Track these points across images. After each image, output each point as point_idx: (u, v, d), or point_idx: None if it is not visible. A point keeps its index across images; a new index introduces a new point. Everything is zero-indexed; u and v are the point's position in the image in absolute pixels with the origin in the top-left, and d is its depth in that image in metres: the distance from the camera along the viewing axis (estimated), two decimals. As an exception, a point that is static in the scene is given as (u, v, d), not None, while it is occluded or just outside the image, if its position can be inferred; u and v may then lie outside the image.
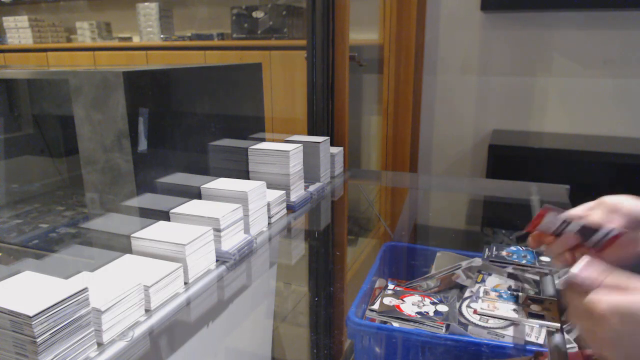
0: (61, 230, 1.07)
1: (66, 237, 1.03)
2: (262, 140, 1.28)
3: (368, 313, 1.06)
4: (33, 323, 0.55)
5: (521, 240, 1.26)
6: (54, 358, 0.58)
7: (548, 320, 0.68)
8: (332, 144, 1.57)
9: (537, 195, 1.57)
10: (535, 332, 0.92)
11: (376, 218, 1.75)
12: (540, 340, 0.90)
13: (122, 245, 0.87)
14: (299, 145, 1.23)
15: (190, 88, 1.01)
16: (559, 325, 0.66)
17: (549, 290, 0.85)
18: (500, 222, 1.55)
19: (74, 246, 0.99)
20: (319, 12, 1.51)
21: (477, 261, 1.17)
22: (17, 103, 1.30)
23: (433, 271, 1.23)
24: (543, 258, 1.03)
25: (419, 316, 1.00)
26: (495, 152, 2.20)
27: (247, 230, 1.00)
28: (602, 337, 0.43)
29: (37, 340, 0.55)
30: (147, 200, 0.90)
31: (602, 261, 0.51)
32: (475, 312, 0.72)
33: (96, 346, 0.64)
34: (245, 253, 0.95)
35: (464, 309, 1.04)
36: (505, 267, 1.08)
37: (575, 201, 1.50)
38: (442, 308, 1.03)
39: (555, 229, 0.64)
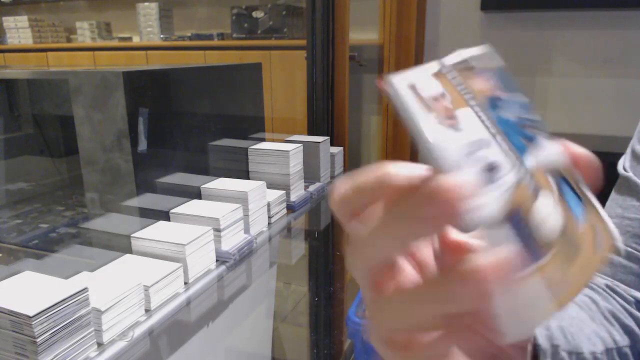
0: (61, 230, 1.07)
1: (66, 237, 1.03)
2: (262, 140, 1.28)
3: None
4: (33, 323, 0.55)
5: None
6: (54, 358, 0.58)
7: None
8: (332, 144, 1.57)
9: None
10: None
11: (376, 218, 1.74)
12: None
13: (122, 245, 0.87)
14: (299, 145, 1.23)
15: (190, 88, 1.01)
16: None
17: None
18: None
19: (74, 246, 0.99)
20: (319, 12, 1.51)
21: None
22: (17, 103, 1.30)
23: (433, 271, 1.23)
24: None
25: (419, 316, 1.00)
26: (495, 152, 2.20)
27: (247, 230, 1.00)
28: None
29: (37, 340, 0.55)
30: (147, 200, 0.90)
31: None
32: None
33: (96, 346, 0.64)
34: (245, 253, 0.95)
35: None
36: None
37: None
38: (442, 308, 1.03)
39: None
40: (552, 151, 0.24)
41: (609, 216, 0.49)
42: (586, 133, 2.32)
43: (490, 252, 0.19)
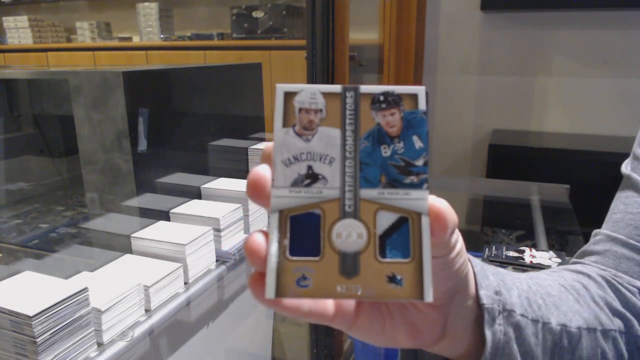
0: (61, 230, 1.07)
1: (66, 237, 1.03)
2: (262, 140, 1.28)
3: (368, 313, 1.06)
4: (33, 323, 0.55)
5: (521, 239, 1.26)
6: (54, 358, 0.58)
7: None
8: (332, 144, 1.57)
9: (537, 195, 1.57)
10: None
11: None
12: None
13: (122, 245, 0.87)
14: (299, 145, 1.23)
15: (190, 88, 1.01)
16: None
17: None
18: (500, 222, 1.56)
19: (74, 246, 0.99)
20: (319, 12, 1.51)
21: (477, 261, 1.17)
22: (17, 103, 1.30)
23: (433, 271, 1.23)
24: (542, 254, 1.03)
25: (419, 316, 1.00)
26: (495, 152, 2.20)
27: (247, 230, 1.00)
28: None
29: (37, 340, 0.55)
30: (147, 200, 0.90)
31: None
32: None
33: (96, 346, 0.64)
34: (245, 253, 0.95)
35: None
36: (505, 267, 1.08)
37: (575, 201, 1.51)
38: (442, 308, 1.03)
39: None
40: (407, 195, 0.25)
41: (613, 212, 0.49)
42: (586, 133, 2.32)
43: (256, 233, 0.25)
